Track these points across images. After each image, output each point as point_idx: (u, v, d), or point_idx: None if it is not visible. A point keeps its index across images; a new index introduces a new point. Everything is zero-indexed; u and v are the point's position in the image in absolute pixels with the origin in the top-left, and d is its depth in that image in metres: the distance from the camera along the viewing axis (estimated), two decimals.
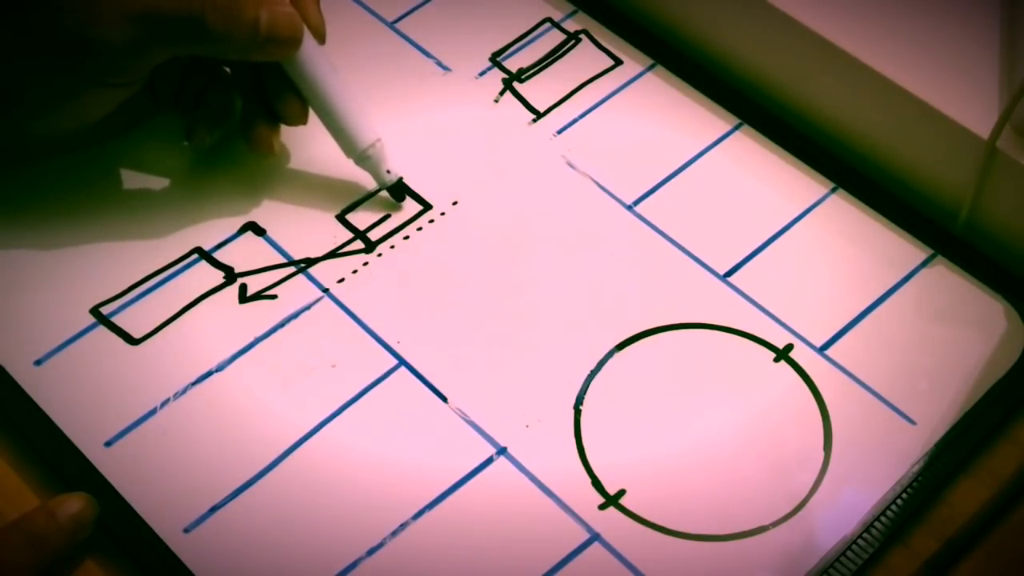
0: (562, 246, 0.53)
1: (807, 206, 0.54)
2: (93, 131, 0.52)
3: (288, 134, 0.55)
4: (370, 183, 0.54)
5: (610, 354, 0.50)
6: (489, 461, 0.48)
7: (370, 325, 0.51)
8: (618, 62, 0.59)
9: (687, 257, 0.53)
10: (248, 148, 0.53)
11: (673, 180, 0.55)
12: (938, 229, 0.54)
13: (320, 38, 0.52)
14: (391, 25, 0.60)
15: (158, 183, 0.55)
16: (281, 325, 0.51)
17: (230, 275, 0.52)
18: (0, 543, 0.44)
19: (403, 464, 0.47)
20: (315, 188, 0.55)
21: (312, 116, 0.53)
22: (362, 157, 0.53)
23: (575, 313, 0.51)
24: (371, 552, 0.46)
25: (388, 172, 0.53)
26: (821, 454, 0.48)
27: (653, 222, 0.54)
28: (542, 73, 0.58)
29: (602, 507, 0.47)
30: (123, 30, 0.46)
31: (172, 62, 0.51)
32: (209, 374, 0.49)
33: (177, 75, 0.53)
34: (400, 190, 0.54)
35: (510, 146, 0.56)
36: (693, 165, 0.56)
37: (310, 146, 0.56)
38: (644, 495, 0.47)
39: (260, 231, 0.53)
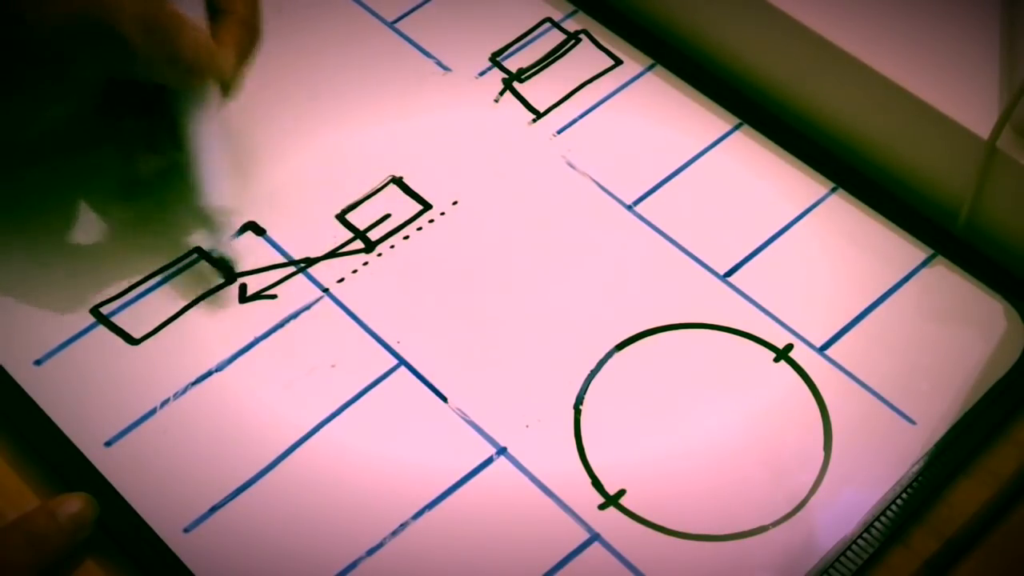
0: (562, 246, 0.53)
1: (807, 206, 0.54)
2: (70, 142, 0.52)
3: (288, 132, 0.55)
4: (370, 186, 0.54)
5: (610, 354, 0.50)
6: (489, 461, 0.48)
7: (370, 325, 0.51)
8: (618, 62, 0.59)
9: (687, 257, 0.53)
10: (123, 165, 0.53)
11: (673, 180, 0.55)
12: (938, 229, 0.54)
13: (226, 90, 0.51)
14: (391, 25, 0.60)
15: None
16: (281, 325, 0.51)
17: (230, 275, 0.52)
18: (0, 543, 0.44)
19: (403, 464, 0.47)
20: (315, 188, 0.55)
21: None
22: (206, 213, 0.51)
23: (575, 313, 0.51)
24: (371, 552, 0.46)
25: (221, 243, 0.51)
26: (821, 454, 0.48)
27: (653, 222, 0.54)
28: (542, 73, 0.58)
29: (602, 507, 0.47)
30: (52, 41, 0.46)
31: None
32: (209, 374, 0.49)
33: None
34: (227, 269, 0.51)
35: (510, 146, 0.56)
36: (693, 165, 0.55)
37: (309, 145, 0.56)
38: (644, 495, 0.47)
39: (260, 231, 0.53)
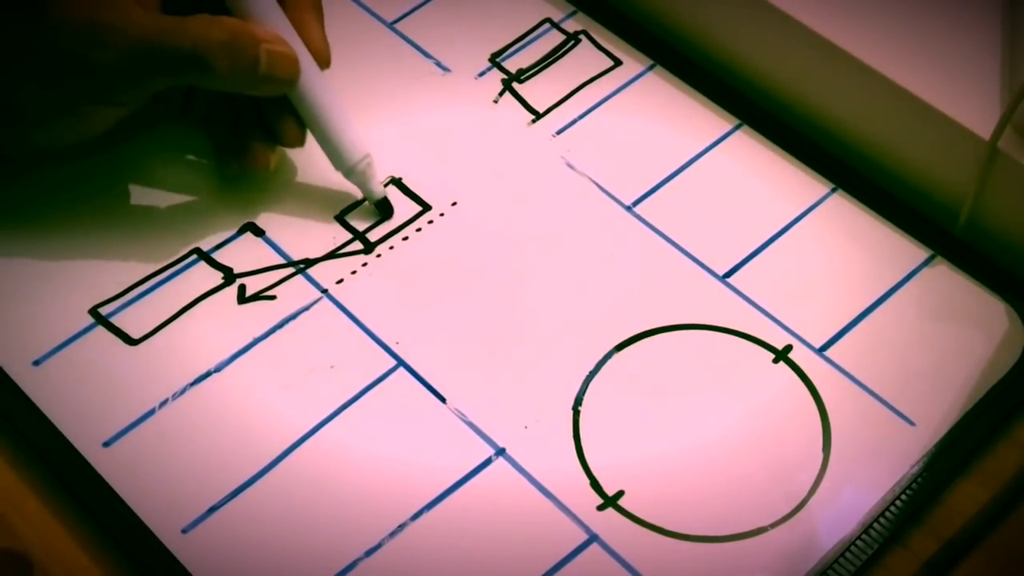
0: (561, 247, 0.53)
1: (807, 206, 0.54)
2: (95, 142, 0.52)
3: None
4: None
5: (609, 355, 0.50)
6: (488, 462, 0.48)
7: (369, 326, 0.51)
8: (618, 62, 0.59)
9: (686, 258, 0.53)
10: (239, 165, 0.53)
11: (673, 180, 0.55)
12: (938, 229, 0.53)
13: (323, 62, 0.52)
14: (390, 25, 0.60)
15: (157, 184, 0.55)
16: (280, 326, 0.51)
17: (229, 276, 0.52)
18: None
19: (401, 465, 0.47)
20: (314, 189, 0.55)
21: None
22: (350, 171, 0.53)
23: (574, 314, 0.51)
24: (369, 553, 0.46)
25: (376, 187, 0.53)
26: (820, 455, 0.48)
27: (652, 223, 0.54)
28: (542, 74, 0.58)
29: (600, 508, 0.47)
30: (122, 58, 0.47)
31: None
32: (208, 375, 0.49)
33: (182, 89, 0.54)
34: (387, 206, 0.54)
35: (509, 147, 0.56)
36: (693, 165, 0.55)
37: (310, 146, 0.55)
38: (643, 496, 0.47)
39: (259, 232, 0.53)
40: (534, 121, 0.57)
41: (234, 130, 0.53)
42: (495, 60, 0.59)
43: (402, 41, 0.59)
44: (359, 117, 0.56)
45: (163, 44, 0.47)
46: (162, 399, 0.49)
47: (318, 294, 0.52)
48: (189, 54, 0.48)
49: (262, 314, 0.51)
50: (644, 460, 0.48)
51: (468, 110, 0.57)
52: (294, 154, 0.55)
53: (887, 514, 0.46)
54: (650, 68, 0.58)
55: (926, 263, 0.53)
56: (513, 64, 0.59)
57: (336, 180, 0.55)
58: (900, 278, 0.52)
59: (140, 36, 0.47)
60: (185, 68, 0.48)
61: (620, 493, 0.47)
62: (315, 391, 0.49)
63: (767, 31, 0.56)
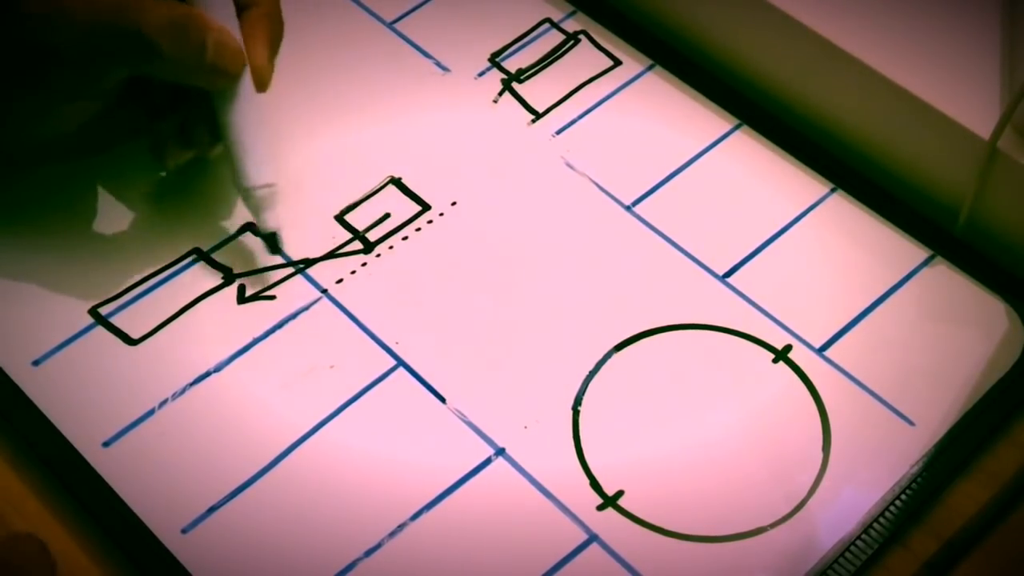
0: (561, 247, 0.53)
1: (807, 206, 0.54)
2: (95, 143, 0.52)
3: (286, 133, 0.55)
4: (369, 187, 0.54)
5: (609, 355, 0.50)
6: (487, 462, 0.48)
7: (368, 326, 0.51)
8: (617, 62, 0.59)
9: (686, 258, 0.53)
10: (152, 157, 0.53)
11: (672, 180, 0.55)
12: (938, 229, 0.53)
13: (260, 83, 0.51)
14: (390, 25, 0.60)
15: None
16: (279, 326, 0.51)
17: (228, 276, 0.52)
18: None
19: (401, 465, 0.47)
20: (314, 188, 0.54)
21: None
22: (247, 194, 0.51)
23: (574, 314, 0.51)
24: (369, 553, 0.46)
25: (268, 219, 0.52)
26: (820, 455, 0.48)
27: (652, 222, 0.54)
28: (541, 73, 0.58)
29: (600, 508, 0.47)
30: (77, 43, 0.46)
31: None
32: (207, 375, 0.49)
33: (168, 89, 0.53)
34: (275, 243, 0.52)
35: (509, 147, 0.56)
36: (692, 165, 0.55)
37: (308, 146, 0.56)
38: (642, 496, 0.47)
39: (259, 232, 0.53)
40: (534, 121, 0.57)
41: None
42: (495, 60, 0.59)
43: (402, 41, 0.59)
44: (359, 117, 0.57)
45: (109, 23, 0.46)
46: (162, 399, 0.49)
47: (318, 294, 0.52)
48: (134, 34, 0.46)
49: (262, 314, 0.51)
50: (644, 460, 0.48)
51: (468, 110, 0.57)
52: (292, 153, 0.55)
53: (887, 514, 0.46)
54: (650, 68, 0.58)
55: (926, 263, 0.53)
56: (513, 64, 0.59)
57: (336, 180, 0.55)
58: (900, 278, 0.52)
59: (88, 17, 0.46)
60: (130, 50, 0.47)
61: (620, 493, 0.47)
62: (315, 391, 0.49)
63: (767, 31, 0.56)
